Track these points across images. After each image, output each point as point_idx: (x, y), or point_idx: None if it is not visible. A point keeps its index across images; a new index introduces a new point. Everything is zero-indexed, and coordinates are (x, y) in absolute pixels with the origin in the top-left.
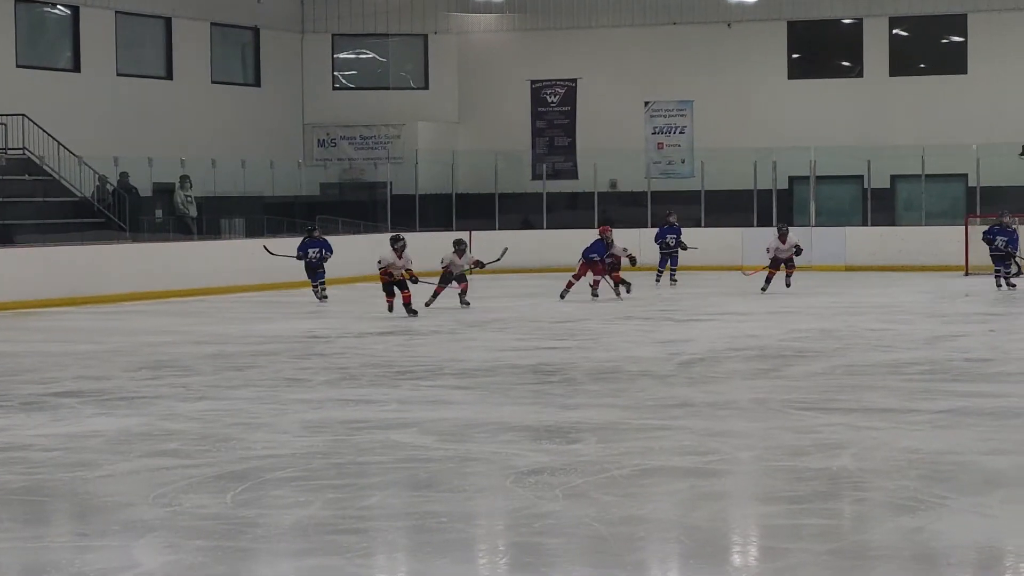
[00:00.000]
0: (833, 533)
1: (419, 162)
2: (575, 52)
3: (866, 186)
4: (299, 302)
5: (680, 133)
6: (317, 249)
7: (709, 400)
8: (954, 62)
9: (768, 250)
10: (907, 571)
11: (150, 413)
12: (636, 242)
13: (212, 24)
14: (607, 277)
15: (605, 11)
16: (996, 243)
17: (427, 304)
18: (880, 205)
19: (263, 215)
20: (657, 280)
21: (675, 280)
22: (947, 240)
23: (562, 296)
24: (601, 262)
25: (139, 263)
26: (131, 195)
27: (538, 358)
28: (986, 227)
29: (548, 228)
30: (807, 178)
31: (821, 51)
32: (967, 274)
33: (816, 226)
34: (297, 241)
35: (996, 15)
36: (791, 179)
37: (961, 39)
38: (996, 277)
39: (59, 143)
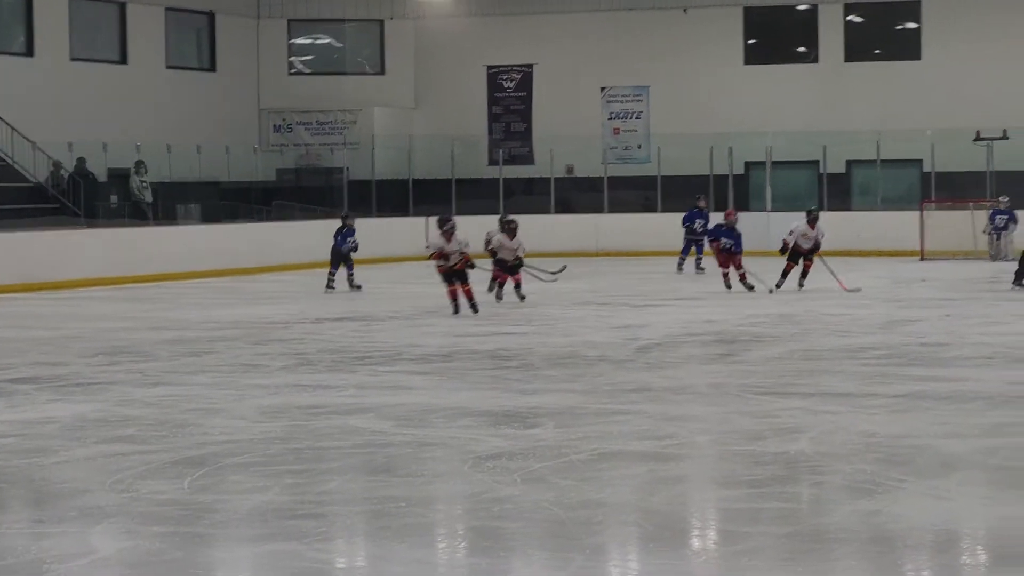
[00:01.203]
0: (791, 516)
1: (375, 147)
2: (531, 38)
3: (822, 171)
4: (256, 288)
5: (636, 119)
6: (353, 238)
7: (667, 385)
8: (909, 48)
9: (791, 233)
10: (865, 554)
11: (107, 399)
12: (594, 227)
13: (167, 9)
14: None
15: None
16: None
17: (498, 298)
18: (836, 190)
19: (219, 200)
20: (680, 268)
21: (702, 268)
22: (903, 225)
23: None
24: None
25: (95, 249)
26: (88, 180)
27: (496, 343)
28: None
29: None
30: (763, 163)
31: (777, 37)
32: (923, 259)
33: (772, 211)
34: (266, 227)
35: (950, 1)
36: (747, 164)
37: (915, 25)
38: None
39: (12, 128)
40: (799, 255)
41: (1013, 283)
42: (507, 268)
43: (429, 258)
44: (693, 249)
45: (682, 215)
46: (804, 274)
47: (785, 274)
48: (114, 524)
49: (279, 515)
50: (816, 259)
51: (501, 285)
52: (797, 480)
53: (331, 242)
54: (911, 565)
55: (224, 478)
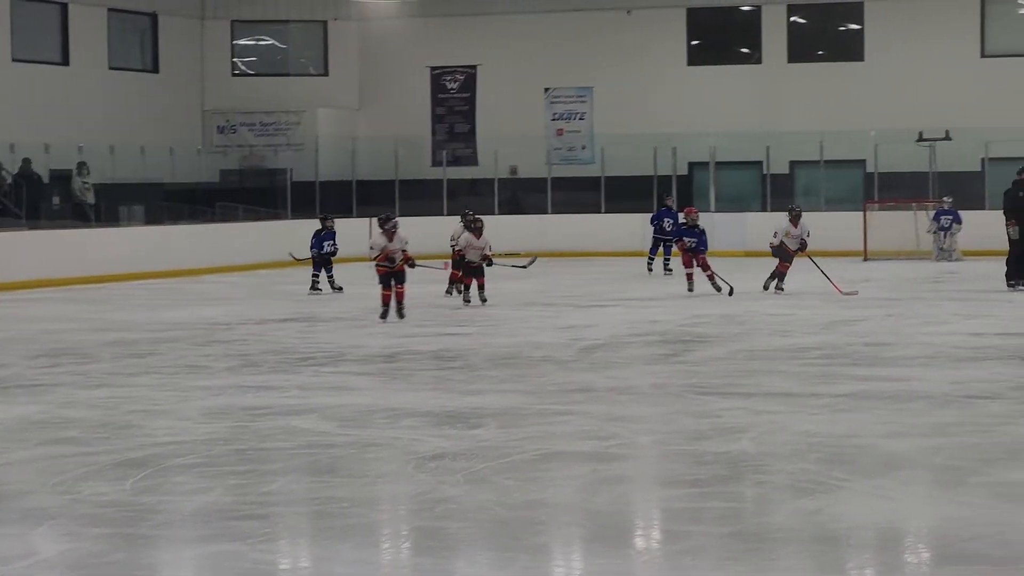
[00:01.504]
0: (734, 516)
1: (319, 149)
2: (475, 39)
3: (765, 172)
4: (200, 289)
5: (580, 120)
6: (332, 241)
7: (610, 385)
8: (852, 49)
9: (775, 235)
10: (807, 553)
11: (49, 401)
12: (538, 228)
13: (109, 10)
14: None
15: None
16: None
17: (466, 301)
18: (779, 191)
19: (162, 202)
20: (649, 268)
21: (670, 269)
22: (846, 226)
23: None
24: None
25: (37, 250)
26: (31, 182)
27: (439, 344)
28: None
29: (449, 215)
30: (707, 164)
31: (720, 38)
32: (866, 259)
33: (716, 212)
34: (209, 228)
35: (892, 3)
36: (691, 165)
37: (858, 26)
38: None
39: None
40: (790, 255)
41: (1009, 285)
42: (473, 270)
43: (374, 259)
44: (661, 249)
45: (648, 215)
46: (781, 277)
47: (782, 276)
48: (56, 526)
49: (222, 516)
50: (809, 260)
51: (467, 288)
52: (739, 480)
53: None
54: (853, 564)
55: (167, 479)
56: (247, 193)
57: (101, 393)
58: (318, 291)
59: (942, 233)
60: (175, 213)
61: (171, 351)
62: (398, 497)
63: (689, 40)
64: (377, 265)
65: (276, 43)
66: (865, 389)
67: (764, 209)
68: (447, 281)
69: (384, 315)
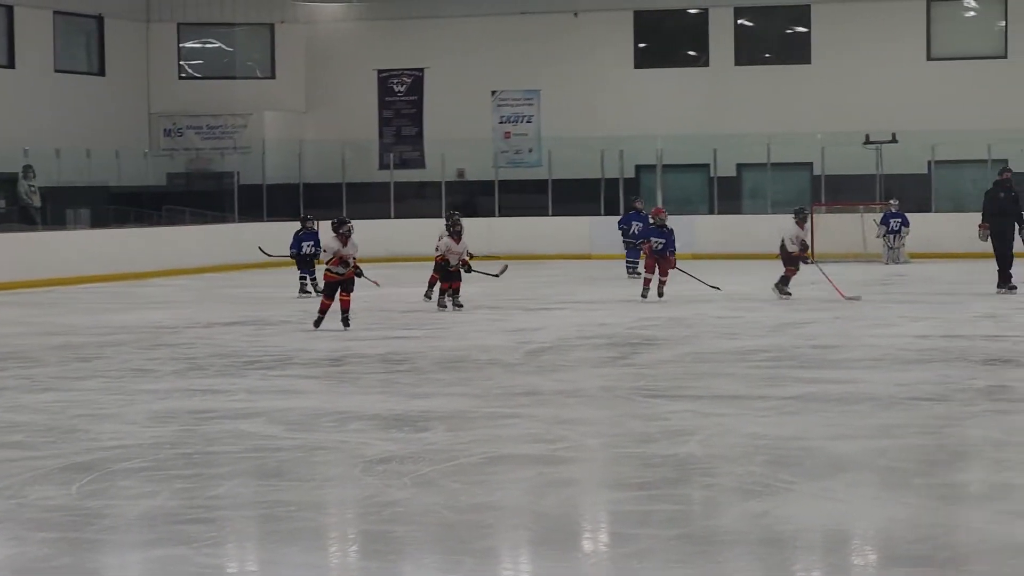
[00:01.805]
0: (681, 518)
1: (266, 152)
2: (422, 42)
3: (712, 175)
4: (146, 293)
5: (527, 122)
6: (311, 243)
7: (558, 388)
8: (798, 52)
9: (791, 241)
10: (754, 555)
11: None
12: (485, 231)
13: (55, 12)
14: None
15: (452, 1)
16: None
17: (442, 306)
18: (726, 193)
19: (109, 205)
20: (633, 273)
21: (638, 273)
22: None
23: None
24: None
25: None
26: None
27: (387, 347)
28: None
29: (396, 218)
30: (654, 167)
31: (667, 41)
32: (813, 262)
33: None
34: (156, 231)
35: (839, 5)
36: (638, 168)
37: (805, 29)
38: None
39: None
40: (796, 260)
41: (1002, 288)
42: (450, 274)
43: (328, 264)
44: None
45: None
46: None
47: (787, 281)
48: (2, 530)
49: (168, 520)
50: (814, 265)
51: (443, 292)
52: (687, 482)
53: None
54: (800, 566)
55: (113, 483)
56: (194, 196)
57: (47, 397)
58: (307, 294)
59: (891, 236)
60: (121, 216)
61: (117, 355)
62: (345, 501)
63: (636, 43)
64: (326, 271)
65: (223, 46)
66: (812, 391)
67: (712, 212)
68: (427, 284)
69: (318, 323)
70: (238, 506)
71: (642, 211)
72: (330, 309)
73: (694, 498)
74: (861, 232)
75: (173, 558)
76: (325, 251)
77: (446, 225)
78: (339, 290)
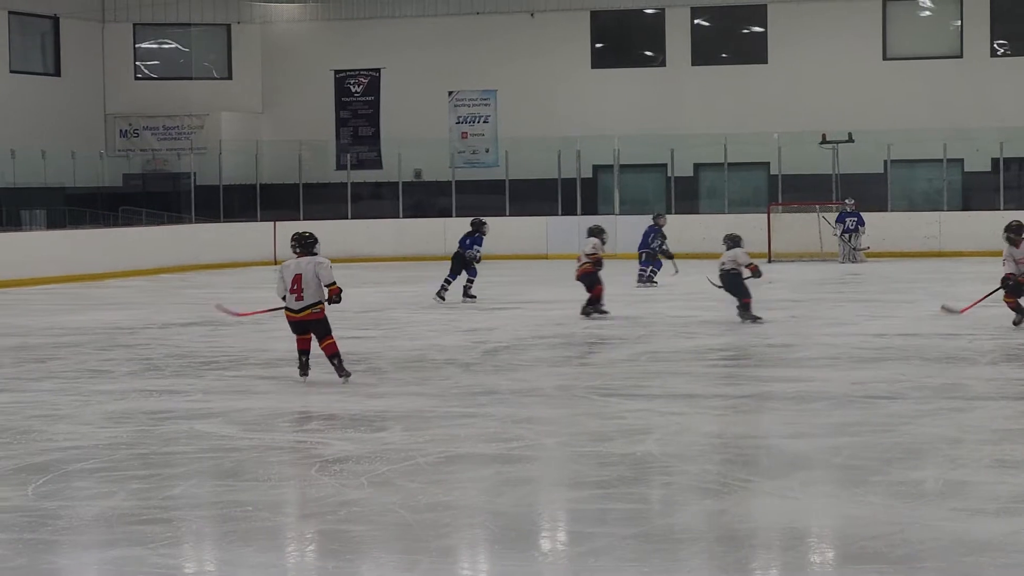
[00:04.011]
0: (638, 517)
1: (222, 152)
2: (379, 42)
3: (669, 175)
4: (103, 294)
5: (484, 123)
6: (480, 246)
7: (514, 387)
8: (755, 52)
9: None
10: (711, 553)
11: None
12: (442, 231)
13: (10, 13)
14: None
15: (409, 1)
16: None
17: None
18: (684, 193)
19: (64, 206)
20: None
21: (654, 283)
22: (750, 227)
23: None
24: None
25: None
26: None
27: (343, 347)
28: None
29: (353, 218)
30: (611, 167)
31: (624, 41)
32: (770, 261)
33: (620, 215)
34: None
35: (795, 5)
36: (595, 168)
37: (761, 29)
38: None
39: None
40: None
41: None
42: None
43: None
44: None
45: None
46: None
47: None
48: None
49: (124, 521)
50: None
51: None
52: (644, 481)
53: (179, 247)
54: (757, 564)
55: (69, 484)
56: (150, 197)
57: (2, 398)
58: (442, 300)
59: (848, 235)
60: (77, 217)
61: (73, 356)
62: (302, 500)
63: (593, 43)
64: (286, 310)
65: (179, 46)
66: (768, 390)
67: (669, 211)
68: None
69: (304, 369)
70: (194, 506)
71: (662, 226)
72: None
73: (651, 497)
74: (818, 231)
75: (129, 559)
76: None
77: (595, 232)
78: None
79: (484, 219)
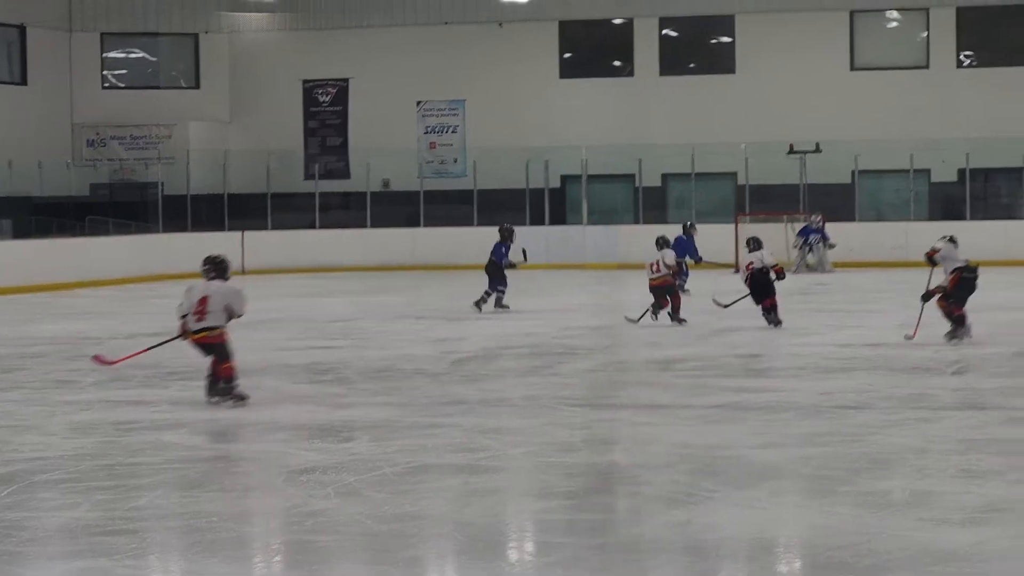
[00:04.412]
0: (606, 527)
1: (190, 162)
2: (347, 52)
3: (637, 185)
4: (69, 304)
5: (452, 132)
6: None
7: (482, 397)
8: (723, 62)
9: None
10: (678, 563)
11: None
12: (410, 241)
13: None
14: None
15: (376, 11)
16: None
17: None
18: (652, 203)
19: (31, 216)
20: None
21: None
22: (718, 238)
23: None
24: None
25: None
26: None
27: (311, 357)
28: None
29: (321, 228)
30: (579, 177)
31: (592, 51)
32: (737, 271)
33: (588, 224)
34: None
35: (763, 16)
36: (563, 178)
37: (729, 39)
38: None
39: None
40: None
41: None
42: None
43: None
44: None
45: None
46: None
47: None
48: None
49: (89, 532)
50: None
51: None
52: (611, 491)
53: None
54: (724, 574)
55: (33, 495)
56: (117, 207)
57: None
58: (479, 309)
59: (807, 248)
60: (44, 227)
61: (39, 366)
62: (268, 511)
63: (561, 53)
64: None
65: (147, 56)
66: (736, 400)
67: (637, 221)
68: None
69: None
70: (160, 517)
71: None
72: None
73: (618, 507)
74: (785, 241)
75: (94, 570)
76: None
77: (667, 243)
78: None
79: (510, 225)
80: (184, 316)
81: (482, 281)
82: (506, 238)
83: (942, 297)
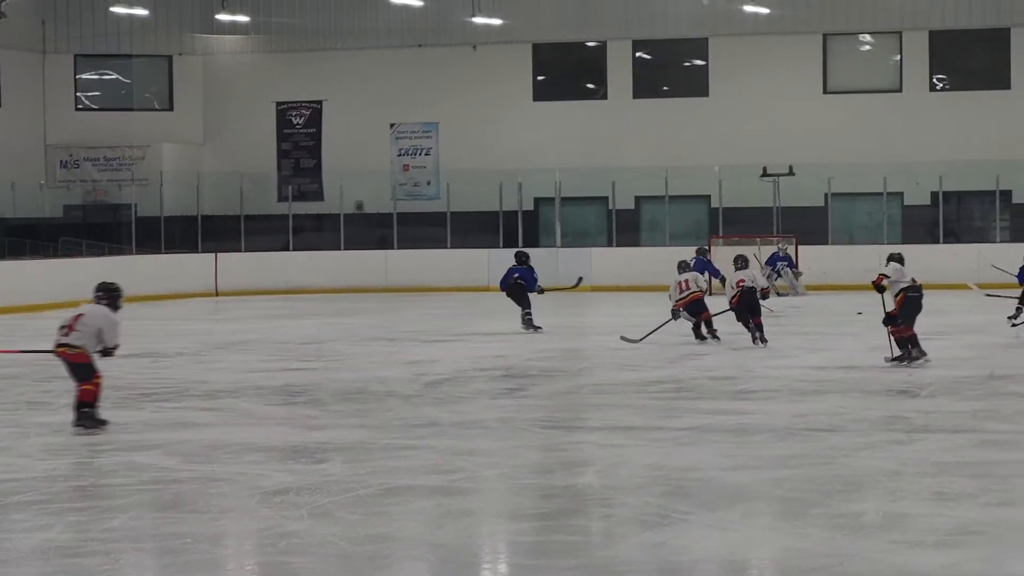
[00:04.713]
0: (579, 549)
1: (164, 184)
2: (320, 74)
3: (611, 207)
4: (42, 325)
5: (426, 155)
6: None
7: (455, 419)
8: (696, 85)
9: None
10: None
11: None
12: (383, 263)
13: None
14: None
15: (350, 33)
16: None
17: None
18: (625, 226)
19: (4, 237)
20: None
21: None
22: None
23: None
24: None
25: None
26: None
27: (284, 379)
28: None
29: (294, 250)
30: (552, 200)
31: (566, 73)
32: (711, 293)
33: (562, 247)
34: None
35: (737, 39)
36: (537, 201)
37: (703, 62)
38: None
39: None
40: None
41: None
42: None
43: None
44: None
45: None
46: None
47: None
48: None
49: (62, 553)
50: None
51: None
52: (585, 513)
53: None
54: None
55: (5, 517)
56: (91, 228)
57: None
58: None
59: (775, 276)
60: (17, 248)
61: (12, 387)
62: (242, 532)
63: (535, 75)
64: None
65: (120, 77)
66: (709, 422)
67: (610, 244)
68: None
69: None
70: (133, 539)
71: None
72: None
73: (592, 529)
74: (759, 264)
75: None
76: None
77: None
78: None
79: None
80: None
81: (457, 304)
82: (524, 263)
83: (890, 321)
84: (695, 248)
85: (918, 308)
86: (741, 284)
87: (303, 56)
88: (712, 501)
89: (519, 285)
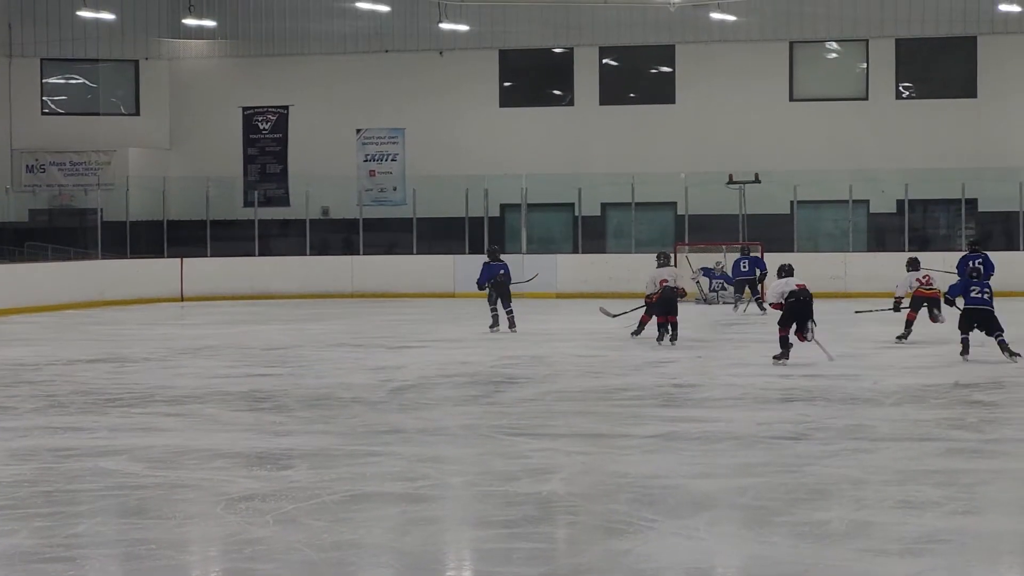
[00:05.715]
0: (544, 556)
1: (130, 188)
2: (287, 79)
3: (577, 214)
4: (7, 330)
5: (392, 160)
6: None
7: (420, 426)
8: (663, 92)
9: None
10: None
11: None
12: (348, 269)
13: None
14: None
15: (317, 39)
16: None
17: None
18: (591, 232)
19: None
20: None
21: (764, 310)
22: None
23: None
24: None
25: None
26: None
27: (250, 385)
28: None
29: (260, 255)
30: (518, 206)
31: (532, 79)
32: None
33: (528, 253)
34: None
35: (703, 46)
36: (503, 207)
37: (669, 69)
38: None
39: None
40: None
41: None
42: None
43: None
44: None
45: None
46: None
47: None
48: None
49: (27, 559)
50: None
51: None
52: (550, 520)
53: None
54: None
55: None
56: (56, 233)
57: None
58: (498, 328)
59: (715, 285)
60: None
61: None
62: (207, 538)
63: (501, 81)
64: None
65: (87, 82)
66: (674, 430)
67: (576, 251)
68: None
69: None
70: (98, 544)
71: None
72: None
73: (557, 536)
74: (688, 267)
75: None
76: None
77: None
78: None
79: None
80: None
81: (423, 310)
82: (496, 258)
83: (780, 322)
84: (738, 247)
85: (806, 312)
86: (664, 283)
87: (270, 61)
88: (678, 509)
89: (504, 281)
